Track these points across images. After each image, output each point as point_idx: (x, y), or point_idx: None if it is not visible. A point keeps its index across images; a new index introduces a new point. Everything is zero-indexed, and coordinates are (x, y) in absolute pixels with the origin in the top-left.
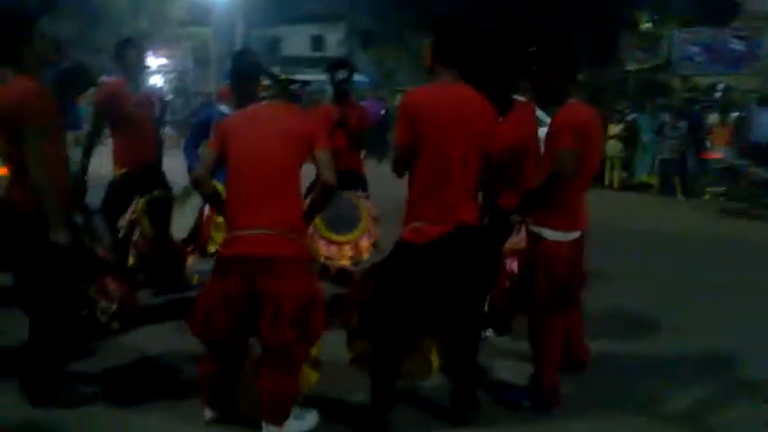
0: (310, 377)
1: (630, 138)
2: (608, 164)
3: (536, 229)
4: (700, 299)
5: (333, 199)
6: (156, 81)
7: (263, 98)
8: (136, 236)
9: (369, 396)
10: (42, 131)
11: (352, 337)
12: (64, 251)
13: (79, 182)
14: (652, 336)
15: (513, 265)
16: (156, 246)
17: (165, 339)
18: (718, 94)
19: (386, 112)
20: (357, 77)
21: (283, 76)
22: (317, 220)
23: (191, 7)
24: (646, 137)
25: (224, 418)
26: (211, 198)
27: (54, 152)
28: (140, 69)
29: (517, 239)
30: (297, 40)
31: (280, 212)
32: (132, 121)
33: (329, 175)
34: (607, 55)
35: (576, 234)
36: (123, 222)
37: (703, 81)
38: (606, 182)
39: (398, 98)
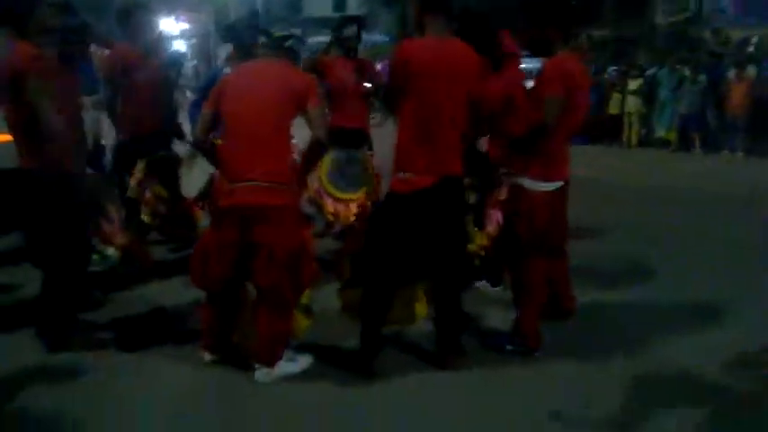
0: (302, 323)
1: (650, 93)
2: (626, 120)
3: (516, 178)
4: (701, 251)
5: (338, 157)
6: (179, 46)
7: (259, 56)
8: (147, 195)
9: (359, 341)
10: (42, 92)
11: (344, 286)
12: (77, 209)
13: (97, 144)
14: (646, 286)
15: (498, 215)
16: (168, 204)
17: (177, 292)
18: (751, 48)
19: None
20: (378, 36)
21: (277, 34)
22: (324, 178)
23: None
24: (664, 92)
25: (222, 360)
26: (210, 155)
27: (64, 112)
28: (146, 34)
29: (503, 191)
30: (318, 1)
31: (270, 165)
32: (139, 88)
33: (320, 133)
34: (635, 8)
35: (556, 184)
36: (132, 183)
37: (736, 35)
38: (625, 138)
39: None
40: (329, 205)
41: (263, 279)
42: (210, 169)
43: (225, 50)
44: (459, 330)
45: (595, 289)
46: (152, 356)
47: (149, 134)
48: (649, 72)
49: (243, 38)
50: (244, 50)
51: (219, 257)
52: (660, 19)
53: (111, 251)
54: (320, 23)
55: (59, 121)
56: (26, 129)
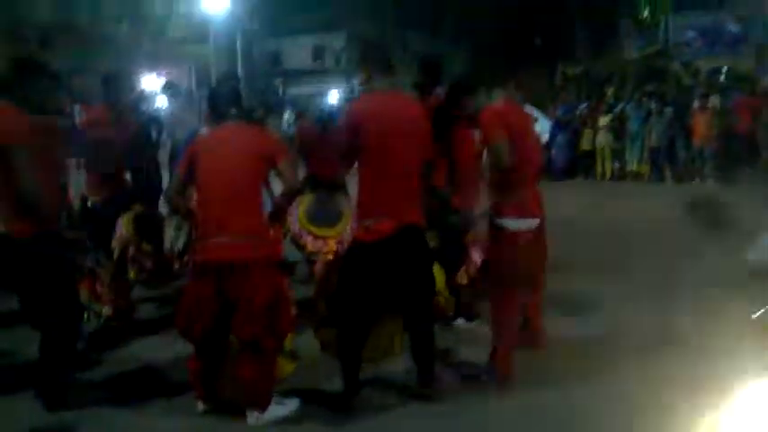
0: (286, 367)
1: (619, 128)
2: (599, 155)
3: (495, 219)
4: (667, 282)
5: (319, 197)
6: (161, 101)
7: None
8: (131, 252)
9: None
10: (22, 152)
11: (319, 325)
12: (63, 268)
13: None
14: (613, 317)
15: (475, 255)
16: (152, 258)
17: (167, 345)
18: (721, 78)
19: None
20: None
21: (246, 106)
22: (302, 216)
23: (190, 25)
24: (633, 126)
25: (216, 409)
26: (184, 214)
27: (44, 171)
28: (126, 95)
29: (478, 230)
30: (297, 52)
31: (242, 221)
32: (110, 147)
33: (292, 184)
34: (607, 44)
35: (532, 221)
36: (115, 242)
37: (706, 66)
38: (598, 173)
39: None
40: (309, 244)
41: (242, 332)
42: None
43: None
44: (432, 362)
45: (565, 321)
46: (147, 410)
47: (120, 194)
48: (618, 107)
49: (217, 105)
50: (217, 115)
51: (200, 311)
52: (630, 54)
53: (104, 309)
54: (299, 74)
55: (38, 184)
56: (8, 192)
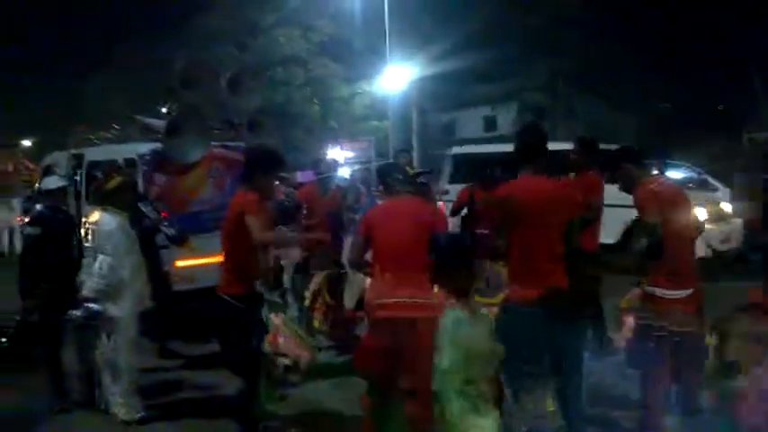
0: None
1: None
2: None
3: (648, 288)
4: None
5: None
6: (343, 172)
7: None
8: (319, 303)
9: None
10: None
11: None
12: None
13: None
14: None
15: (630, 320)
16: (334, 311)
17: (344, 389)
18: None
19: None
20: None
21: (411, 172)
22: None
23: (372, 103)
24: None
25: None
26: (365, 273)
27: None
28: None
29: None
30: (470, 122)
31: (418, 284)
32: (317, 215)
33: None
34: None
35: (685, 292)
36: (308, 293)
37: None
38: None
39: None
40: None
41: (410, 380)
42: (363, 284)
43: None
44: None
45: None
46: None
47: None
48: None
49: (386, 178)
50: (387, 187)
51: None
52: None
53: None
54: (471, 143)
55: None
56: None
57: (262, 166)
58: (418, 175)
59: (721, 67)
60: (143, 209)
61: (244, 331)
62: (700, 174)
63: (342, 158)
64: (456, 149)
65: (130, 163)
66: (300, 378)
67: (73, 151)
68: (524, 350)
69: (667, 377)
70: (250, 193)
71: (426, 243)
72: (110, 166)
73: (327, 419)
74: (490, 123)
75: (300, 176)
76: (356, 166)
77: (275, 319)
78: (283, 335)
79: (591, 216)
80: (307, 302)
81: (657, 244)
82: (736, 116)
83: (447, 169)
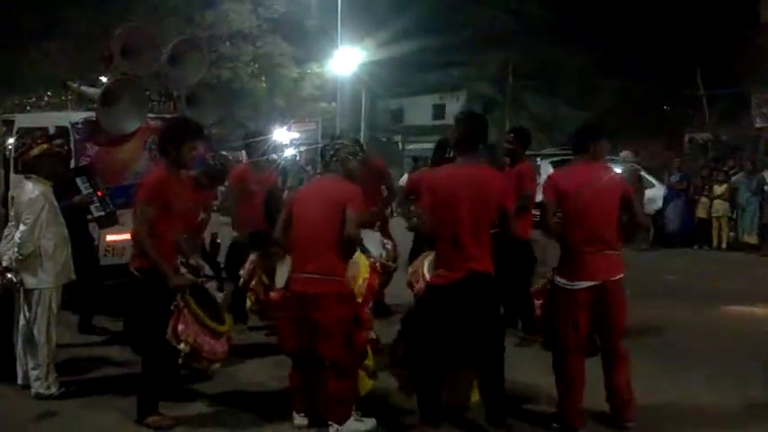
0: (366, 384)
1: (734, 198)
2: (715, 224)
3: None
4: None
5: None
6: (290, 153)
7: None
8: (254, 284)
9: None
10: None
11: (393, 364)
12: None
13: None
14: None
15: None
16: (267, 291)
17: (269, 370)
18: None
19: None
20: None
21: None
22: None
23: (321, 85)
24: (743, 197)
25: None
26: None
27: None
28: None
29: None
30: (419, 110)
31: (322, 260)
32: (251, 196)
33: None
34: (740, 114)
35: (584, 284)
36: (243, 273)
37: None
38: (715, 242)
39: None
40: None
41: (325, 352)
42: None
43: None
44: (504, 407)
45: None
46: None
47: (257, 232)
48: (733, 178)
49: (323, 155)
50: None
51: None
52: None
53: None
54: (420, 131)
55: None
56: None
57: (175, 137)
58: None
59: (669, 69)
60: (79, 184)
61: (145, 308)
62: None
63: (288, 139)
64: None
65: (63, 131)
66: (205, 366)
67: (3, 117)
68: (444, 331)
69: None
70: (161, 171)
71: (334, 217)
72: (39, 134)
73: (255, 397)
74: (439, 112)
75: (243, 156)
76: (302, 148)
77: (180, 303)
78: (184, 321)
79: (523, 204)
80: (241, 282)
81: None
82: (679, 117)
83: None
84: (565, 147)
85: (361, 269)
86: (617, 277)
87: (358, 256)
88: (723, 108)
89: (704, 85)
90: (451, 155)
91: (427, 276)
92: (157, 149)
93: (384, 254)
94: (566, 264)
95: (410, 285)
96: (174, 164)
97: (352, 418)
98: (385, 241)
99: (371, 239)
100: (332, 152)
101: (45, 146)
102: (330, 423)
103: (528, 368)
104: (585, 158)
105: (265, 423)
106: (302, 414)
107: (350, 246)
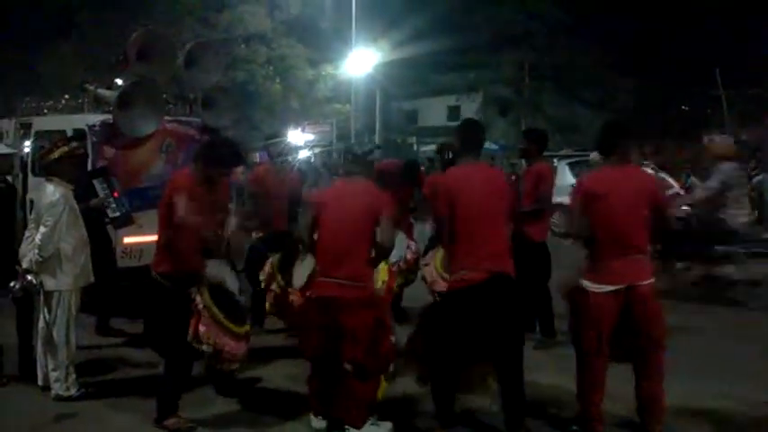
0: (383, 387)
1: (762, 201)
2: None
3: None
4: None
5: None
6: (304, 155)
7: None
8: (273, 286)
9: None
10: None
11: (412, 358)
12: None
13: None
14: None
15: None
16: (286, 294)
17: (287, 372)
18: None
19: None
20: (488, 145)
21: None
22: (438, 265)
23: (336, 86)
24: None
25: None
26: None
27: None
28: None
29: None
30: (433, 111)
31: (356, 266)
32: (270, 197)
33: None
34: (759, 113)
35: (609, 287)
36: (262, 276)
37: None
38: None
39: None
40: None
41: (349, 356)
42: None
43: None
44: (523, 406)
45: None
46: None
47: (276, 234)
48: (756, 179)
49: (346, 157)
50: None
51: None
52: None
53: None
54: (433, 132)
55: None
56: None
57: (215, 161)
58: (371, 151)
59: (688, 70)
60: (97, 186)
61: (168, 312)
62: (655, 171)
63: (302, 141)
64: None
65: (80, 134)
66: (228, 367)
67: (21, 120)
68: (466, 332)
69: None
70: (187, 174)
71: (369, 224)
72: (58, 137)
73: (273, 399)
74: (453, 113)
75: (259, 157)
76: (317, 149)
77: (199, 305)
78: (205, 323)
79: (540, 206)
80: (262, 284)
81: None
82: (698, 117)
83: None
84: (581, 148)
85: (380, 272)
86: (645, 282)
87: None
88: (741, 108)
89: (723, 85)
90: (451, 157)
91: (444, 274)
92: (194, 157)
93: (406, 255)
94: (592, 267)
95: (424, 279)
96: (205, 179)
97: (369, 423)
98: (409, 243)
99: (396, 241)
100: (360, 154)
101: (66, 148)
102: (347, 426)
103: (546, 371)
104: (613, 161)
105: (283, 425)
106: (320, 417)
107: (383, 254)
